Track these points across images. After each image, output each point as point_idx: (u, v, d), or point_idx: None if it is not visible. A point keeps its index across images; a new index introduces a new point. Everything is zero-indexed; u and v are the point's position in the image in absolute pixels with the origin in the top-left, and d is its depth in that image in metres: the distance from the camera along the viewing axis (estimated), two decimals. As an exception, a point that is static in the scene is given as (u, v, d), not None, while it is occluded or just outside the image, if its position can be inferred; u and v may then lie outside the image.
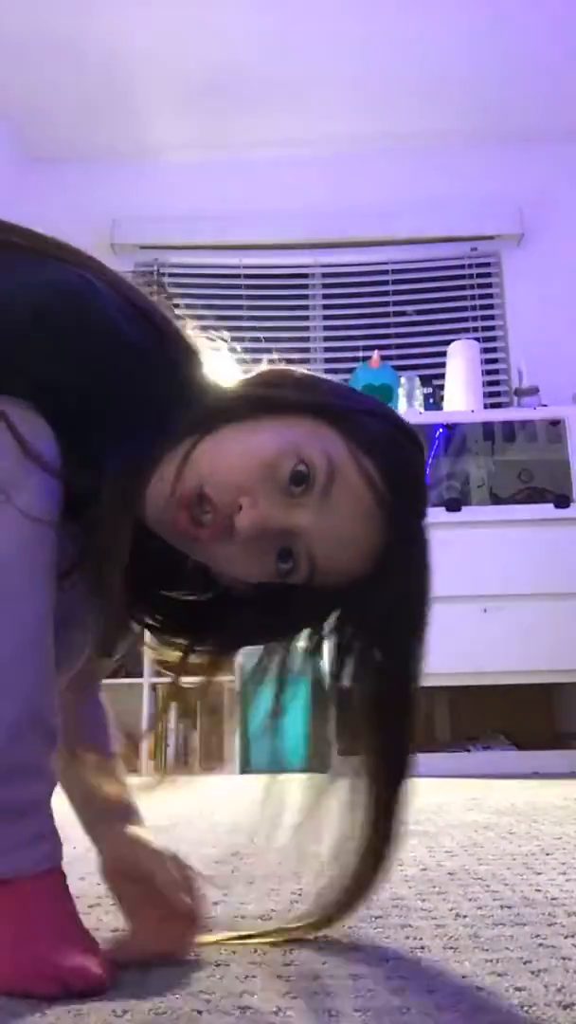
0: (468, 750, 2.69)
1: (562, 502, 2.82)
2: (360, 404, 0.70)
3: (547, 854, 1.05)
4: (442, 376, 3.34)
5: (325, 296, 3.84)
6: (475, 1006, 0.52)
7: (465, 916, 0.75)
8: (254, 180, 3.81)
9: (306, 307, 3.84)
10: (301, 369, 0.73)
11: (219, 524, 0.61)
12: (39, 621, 0.60)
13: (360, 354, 3.54)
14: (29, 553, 0.59)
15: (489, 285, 3.80)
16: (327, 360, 3.76)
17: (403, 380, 3.29)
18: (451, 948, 0.65)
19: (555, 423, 3.01)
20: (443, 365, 3.34)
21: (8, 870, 0.59)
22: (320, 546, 0.62)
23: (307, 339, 3.82)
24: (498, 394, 3.65)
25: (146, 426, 0.65)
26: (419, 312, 3.77)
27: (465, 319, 3.74)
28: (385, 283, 3.79)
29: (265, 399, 0.68)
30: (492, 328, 3.75)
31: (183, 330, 0.75)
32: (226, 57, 3.31)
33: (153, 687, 2.97)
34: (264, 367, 0.74)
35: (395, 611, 0.67)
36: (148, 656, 0.99)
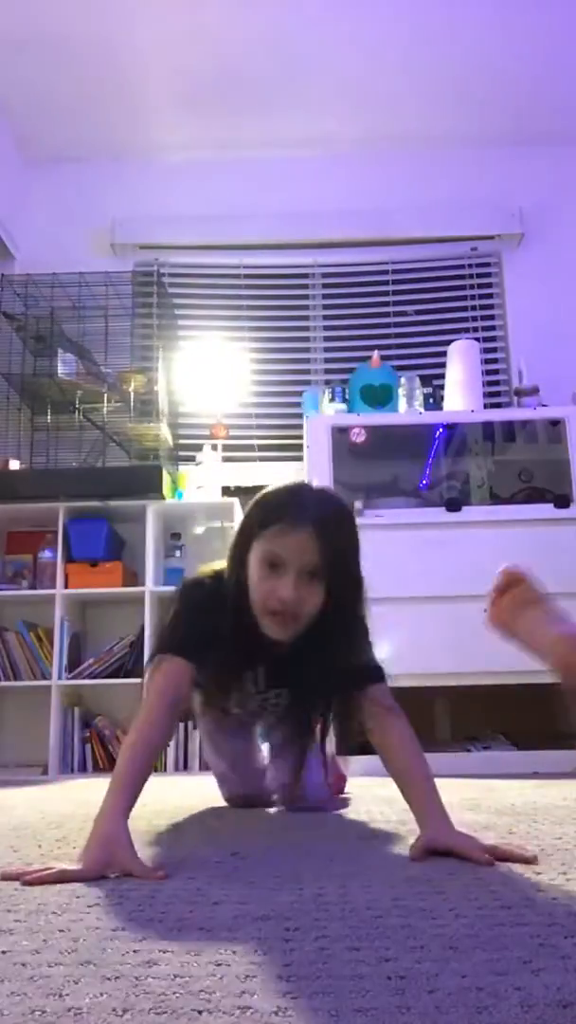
0: (468, 750, 2.69)
1: (562, 502, 2.82)
2: (266, 507, 1.25)
3: (547, 854, 1.05)
4: (442, 376, 3.34)
5: (325, 296, 3.84)
6: (475, 1006, 0.52)
7: (465, 916, 0.75)
8: (254, 180, 3.81)
9: (306, 307, 3.84)
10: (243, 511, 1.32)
11: (283, 609, 1.20)
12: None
13: (360, 354, 3.54)
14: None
15: (489, 285, 3.80)
16: (327, 360, 3.77)
17: (403, 380, 3.29)
18: (451, 948, 0.65)
19: (555, 423, 3.01)
20: (443, 365, 3.34)
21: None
22: (303, 569, 1.19)
23: (307, 339, 3.82)
24: (498, 394, 3.65)
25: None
26: (419, 312, 3.77)
27: (465, 319, 3.74)
28: (385, 283, 3.80)
29: (236, 554, 1.27)
30: (492, 328, 3.75)
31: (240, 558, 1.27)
32: (226, 57, 3.31)
33: (153, 687, 2.97)
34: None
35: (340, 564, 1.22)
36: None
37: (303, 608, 1.20)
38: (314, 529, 1.18)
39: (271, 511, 1.23)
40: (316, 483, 1.34)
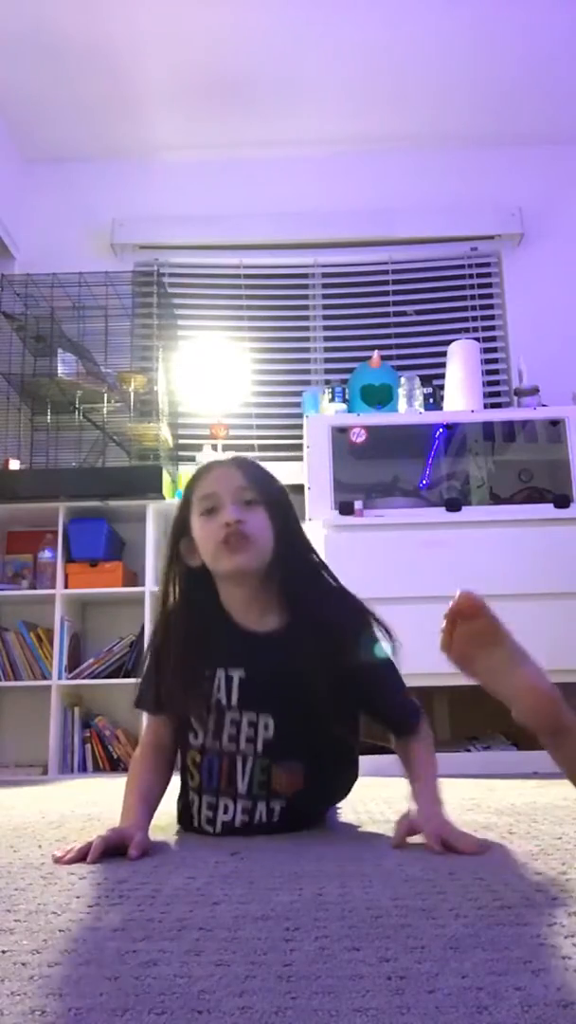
0: (468, 750, 2.69)
1: (562, 502, 2.82)
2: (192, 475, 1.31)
3: (547, 854, 1.04)
4: (442, 376, 3.34)
5: (325, 296, 3.84)
6: (475, 1006, 0.52)
7: (465, 916, 0.75)
8: (254, 180, 3.81)
9: (306, 307, 3.84)
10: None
11: (229, 531, 1.20)
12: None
13: (360, 354, 3.54)
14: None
15: (489, 285, 3.80)
16: (327, 360, 3.77)
17: (403, 380, 3.29)
18: (451, 948, 0.65)
19: (555, 423, 3.01)
20: (443, 365, 3.34)
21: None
22: (236, 496, 1.23)
23: (307, 339, 3.82)
24: (498, 394, 3.65)
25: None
26: (419, 312, 3.77)
27: (465, 319, 3.74)
28: (385, 283, 3.80)
29: (174, 540, 1.30)
30: (492, 328, 3.75)
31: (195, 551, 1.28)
32: (226, 57, 3.31)
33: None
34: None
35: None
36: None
37: (249, 526, 1.20)
38: (236, 462, 1.27)
39: (193, 475, 1.30)
40: None
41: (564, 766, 1.00)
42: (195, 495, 1.26)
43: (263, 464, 1.31)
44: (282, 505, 1.27)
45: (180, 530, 1.27)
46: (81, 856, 1.03)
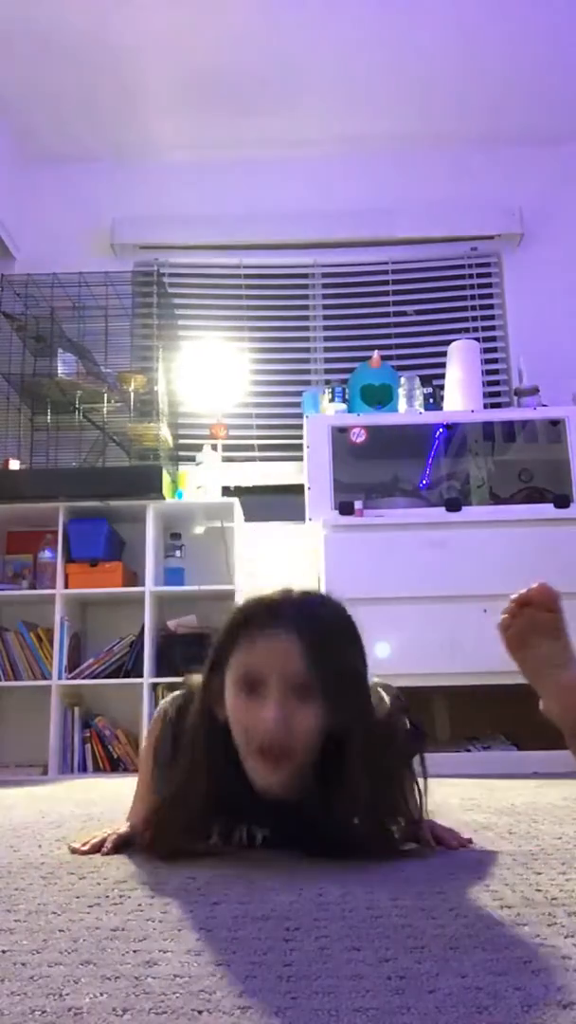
0: (468, 750, 2.69)
1: (562, 502, 2.82)
2: (238, 615, 1.04)
3: (547, 854, 1.05)
4: (442, 376, 3.34)
5: (325, 296, 3.84)
6: (475, 1006, 0.52)
7: (465, 916, 0.75)
8: (254, 180, 3.81)
9: (306, 307, 3.84)
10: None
11: (270, 742, 0.97)
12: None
13: (360, 354, 3.54)
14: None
15: (489, 285, 3.80)
16: (327, 360, 3.77)
17: (403, 380, 3.29)
18: (451, 948, 0.65)
19: (555, 423, 3.01)
20: (443, 365, 3.34)
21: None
22: (288, 681, 0.98)
23: (307, 339, 3.82)
24: (498, 394, 3.65)
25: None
26: (419, 312, 3.77)
27: (465, 319, 3.74)
28: (385, 283, 3.80)
29: (208, 677, 1.05)
30: (492, 328, 3.75)
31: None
32: (226, 57, 3.31)
33: (153, 687, 2.97)
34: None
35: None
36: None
37: (295, 737, 0.96)
38: (297, 630, 0.97)
39: (243, 618, 1.02)
40: (308, 588, 1.07)
41: None
42: (236, 656, 1.00)
43: (342, 625, 1.02)
44: (348, 692, 1.00)
45: (213, 665, 1.04)
46: (96, 849, 1.10)
